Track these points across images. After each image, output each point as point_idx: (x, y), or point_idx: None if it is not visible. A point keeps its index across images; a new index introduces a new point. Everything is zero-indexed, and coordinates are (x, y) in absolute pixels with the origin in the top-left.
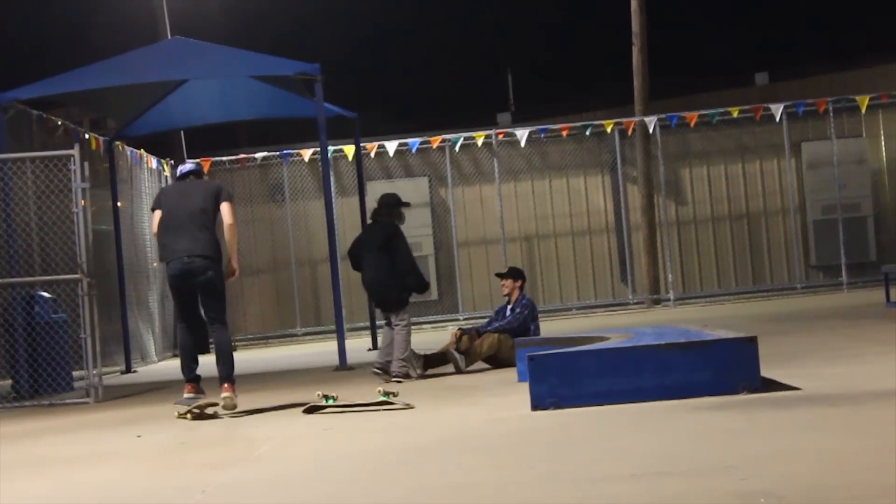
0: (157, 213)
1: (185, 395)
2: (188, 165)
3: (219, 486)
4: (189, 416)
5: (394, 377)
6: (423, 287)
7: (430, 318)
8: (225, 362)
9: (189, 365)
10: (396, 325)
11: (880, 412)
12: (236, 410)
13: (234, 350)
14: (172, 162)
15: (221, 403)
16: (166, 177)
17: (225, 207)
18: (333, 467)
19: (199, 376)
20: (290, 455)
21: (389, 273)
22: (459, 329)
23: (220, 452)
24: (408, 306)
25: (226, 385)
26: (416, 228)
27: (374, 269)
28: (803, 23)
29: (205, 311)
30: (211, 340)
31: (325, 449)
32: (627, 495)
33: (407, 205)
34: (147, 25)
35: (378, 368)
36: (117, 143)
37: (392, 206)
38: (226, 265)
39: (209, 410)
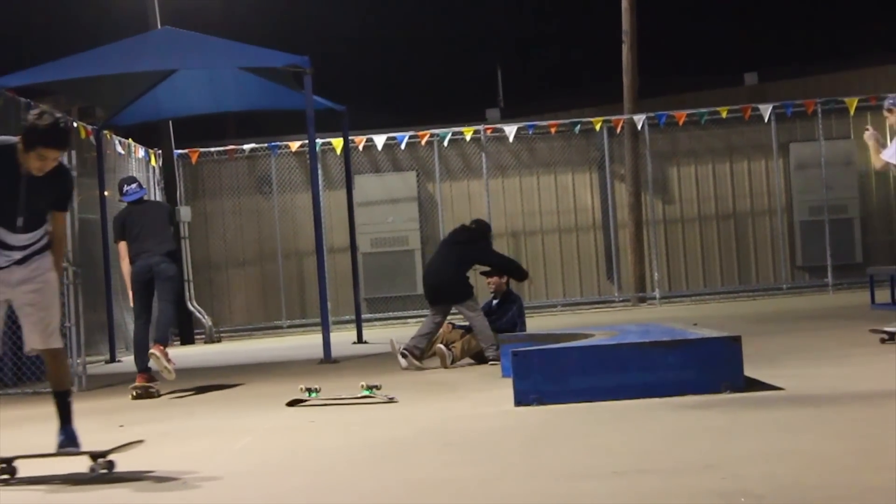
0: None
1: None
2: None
3: (200, 476)
4: (134, 392)
5: (491, 362)
6: (524, 275)
7: (415, 313)
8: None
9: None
10: (471, 316)
11: (862, 413)
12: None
13: (219, 341)
14: (160, 152)
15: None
16: (153, 167)
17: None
18: (314, 460)
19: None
20: (272, 447)
21: (456, 264)
22: (451, 324)
23: (201, 443)
24: (473, 296)
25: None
26: (403, 223)
27: (442, 260)
28: (794, 24)
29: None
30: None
31: (306, 441)
32: (609, 492)
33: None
34: (137, 15)
35: (405, 349)
36: (105, 132)
37: (483, 230)
38: None
39: (151, 390)
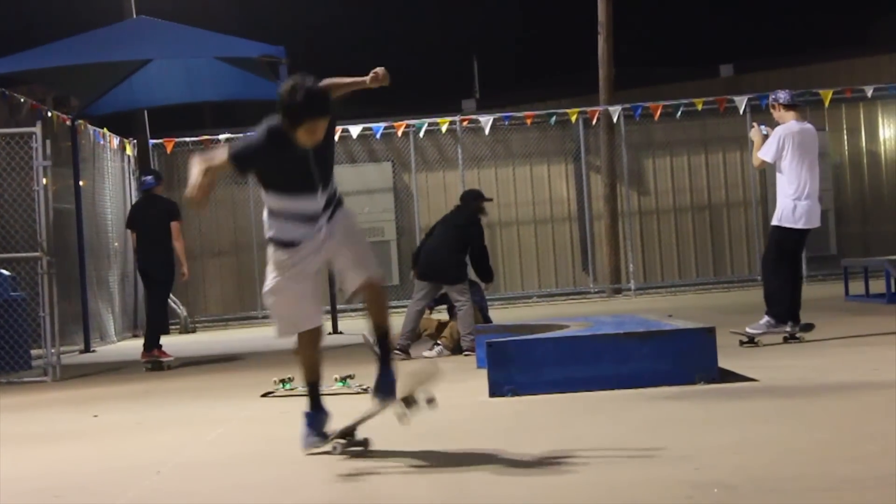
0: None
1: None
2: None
3: (174, 466)
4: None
5: (466, 352)
6: (490, 277)
7: (391, 303)
8: None
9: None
10: (461, 301)
11: (835, 404)
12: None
13: (194, 332)
14: (135, 141)
15: None
16: (129, 157)
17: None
18: (287, 450)
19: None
20: (246, 437)
21: (454, 248)
22: (429, 307)
23: (175, 433)
24: (466, 281)
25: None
26: (379, 213)
27: (440, 240)
28: (769, 16)
29: None
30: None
31: (280, 431)
32: (582, 483)
33: (489, 200)
34: (112, 4)
35: (398, 350)
36: (80, 121)
37: (472, 200)
38: None
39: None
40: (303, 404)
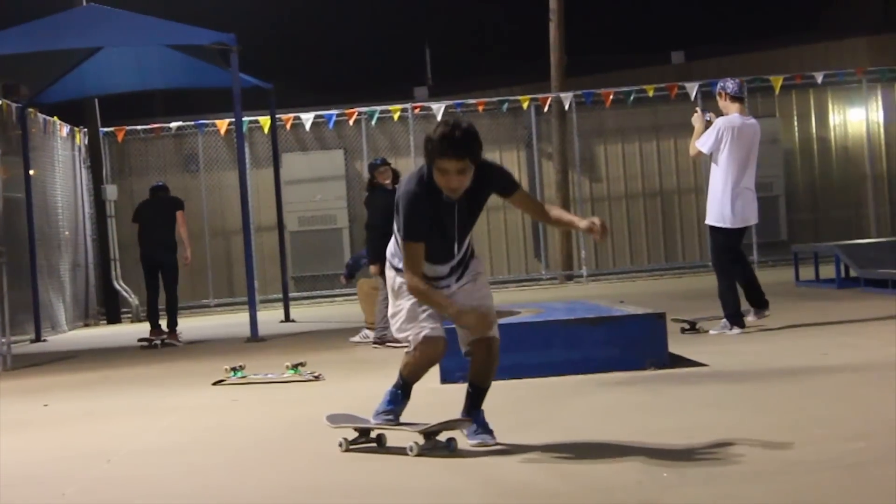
0: None
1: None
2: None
3: (125, 454)
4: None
5: (374, 344)
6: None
7: (343, 291)
8: None
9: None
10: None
11: (784, 389)
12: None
13: (146, 321)
14: (86, 130)
15: None
16: (79, 146)
17: None
18: (238, 437)
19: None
20: (196, 425)
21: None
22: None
23: (126, 422)
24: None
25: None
26: (331, 201)
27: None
28: (720, 3)
29: None
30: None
31: (230, 420)
32: (532, 469)
33: (378, 164)
34: None
35: (376, 342)
36: (30, 110)
37: (370, 171)
38: None
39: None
40: (255, 392)
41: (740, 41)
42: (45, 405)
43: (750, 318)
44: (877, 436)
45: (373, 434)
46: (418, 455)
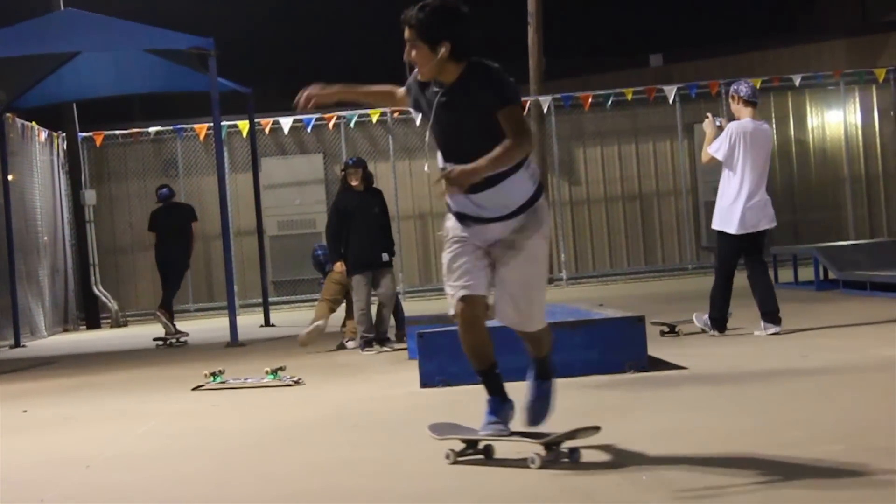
0: None
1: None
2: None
3: (104, 460)
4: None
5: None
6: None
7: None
8: None
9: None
10: (392, 287)
11: (763, 391)
12: None
13: (125, 325)
14: (64, 135)
15: None
16: (58, 151)
17: None
18: (218, 442)
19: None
20: (176, 431)
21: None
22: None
23: (105, 427)
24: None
25: None
26: (311, 205)
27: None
28: (698, 5)
29: None
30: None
31: (211, 425)
32: (511, 472)
33: (350, 163)
34: None
35: (373, 342)
36: (8, 114)
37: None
38: None
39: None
40: (235, 397)
41: (718, 44)
42: (25, 411)
43: (758, 333)
44: (856, 438)
45: (480, 445)
46: (541, 468)
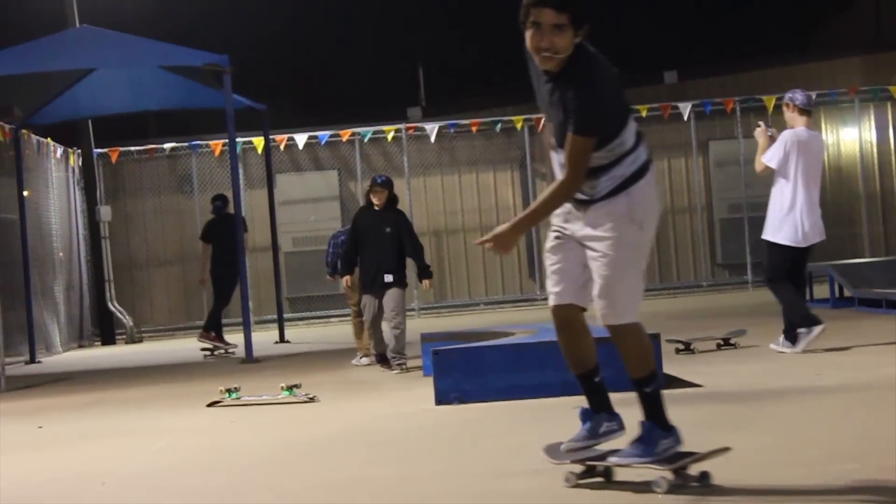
0: None
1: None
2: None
3: (119, 477)
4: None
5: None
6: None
7: (337, 312)
8: None
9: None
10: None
11: (779, 410)
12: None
13: (141, 341)
14: (79, 151)
15: None
16: (73, 167)
17: None
18: (234, 460)
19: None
20: (192, 447)
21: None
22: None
23: (120, 444)
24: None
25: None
26: (325, 221)
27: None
28: (712, 23)
29: None
30: None
31: (226, 441)
32: (527, 490)
33: (378, 181)
34: (55, 13)
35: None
36: (24, 131)
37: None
38: None
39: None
40: (251, 414)
41: (733, 61)
42: (40, 427)
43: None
44: (871, 456)
45: (599, 468)
46: (667, 493)
